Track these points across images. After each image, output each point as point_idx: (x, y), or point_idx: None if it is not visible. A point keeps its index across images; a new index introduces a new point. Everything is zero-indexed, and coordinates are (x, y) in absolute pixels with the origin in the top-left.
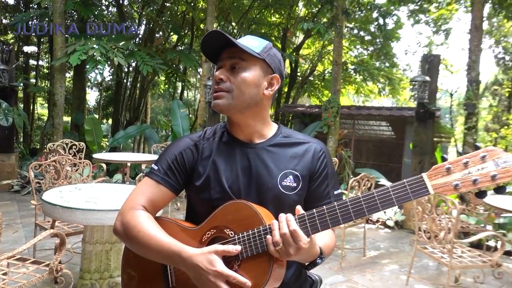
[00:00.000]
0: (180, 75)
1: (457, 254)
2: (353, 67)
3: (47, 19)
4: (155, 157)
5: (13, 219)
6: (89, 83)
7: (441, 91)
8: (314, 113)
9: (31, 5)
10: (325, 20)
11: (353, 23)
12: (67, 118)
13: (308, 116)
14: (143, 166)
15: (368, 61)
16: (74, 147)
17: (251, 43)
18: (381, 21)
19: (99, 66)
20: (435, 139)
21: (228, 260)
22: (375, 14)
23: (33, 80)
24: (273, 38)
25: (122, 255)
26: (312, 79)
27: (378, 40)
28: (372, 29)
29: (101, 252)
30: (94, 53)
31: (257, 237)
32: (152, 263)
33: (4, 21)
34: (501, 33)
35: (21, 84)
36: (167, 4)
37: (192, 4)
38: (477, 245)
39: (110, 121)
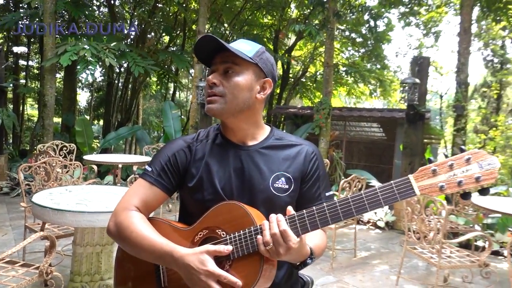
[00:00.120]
0: (172, 76)
1: (446, 254)
2: (344, 68)
3: (37, 19)
4: (146, 158)
5: (2, 221)
6: (80, 84)
7: (431, 93)
8: (306, 114)
9: (21, 5)
10: (316, 22)
11: (344, 25)
12: (57, 119)
13: (300, 117)
14: (135, 168)
15: (359, 63)
16: (65, 148)
17: (244, 47)
18: (372, 23)
19: (90, 67)
20: (425, 140)
21: (220, 260)
22: (366, 16)
23: (23, 81)
24: (265, 40)
25: (114, 256)
26: (304, 80)
27: (369, 42)
28: (363, 31)
29: (91, 255)
30: (85, 54)
31: (248, 237)
32: (145, 263)
33: None
34: (489, 36)
35: (11, 85)
36: (159, 5)
37: (184, 5)
38: (466, 245)
39: (101, 122)
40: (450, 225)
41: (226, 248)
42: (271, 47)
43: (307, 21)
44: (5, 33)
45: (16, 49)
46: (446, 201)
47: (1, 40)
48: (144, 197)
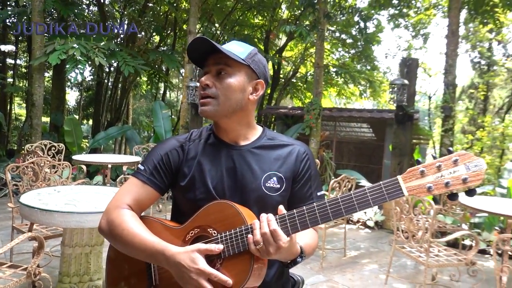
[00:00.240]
0: (162, 76)
1: (433, 253)
2: (334, 69)
3: (25, 17)
4: (136, 158)
5: None
6: (69, 83)
7: (420, 94)
8: (296, 114)
9: (8, 3)
10: (307, 23)
11: (334, 26)
12: (46, 119)
13: (291, 117)
14: (125, 168)
15: (349, 63)
16: (53, 148)
17: (237, 49)
18: (362, 24)
19: (79, 66)
20: (414, 141)
21: (211, 258)
22: (356, 18)
23: (10, 80)
24: (256, 40)
25: (103, 257)
26: (294, 81)
27: (359, 43)
28: (353, 33)
29: (80, 255)
30: (74, 53)
31: (239, 236)
32: (136, 261)
33: None
34: (476, 38)
35: None
36: (150, 4)
37: (174, 5)
38: (453, 244)
39: (90, 122)
40: (438, 224)
41: (217, 247)
42: (262, 47)
43: (297, 22)
44: None
45: (3, 47)
46: (434, 201)
47: None
48: (136, 196)
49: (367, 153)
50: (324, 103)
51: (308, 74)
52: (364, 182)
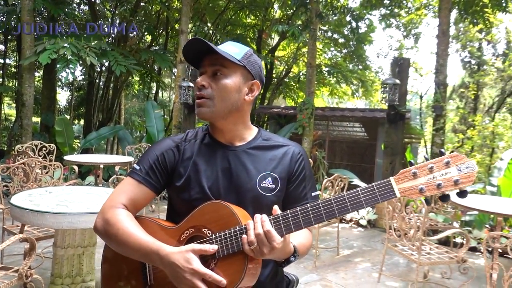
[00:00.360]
0: (154, 75)
1: (425, 251)
2: (327, 69)
3: (14, 16)
4: (129, 159)
5: None
6: (59, 83)
7: (411, 93)
8: (289, 114)
9: None
10: (299, 22)
11: (327, 26)
12: (36, 119)
13: (284, 117)
14: (117, 168)
15: (341, 63)
16: (44, 149)
17: (232, 49)
18: (354, 24)
19: (70, 66)
20: (405, 140)
21: (206, 258)
22: (348, 18)
23: None
24: (248, 40)
25: (95, 258)
26: (287, 80)
27: (351, 43)
28: (346, 32)
29: (73, 256)
30: (65, 52)
31: (233, 236)
32: (131, 261)
33: None
34: (467, 38)
35: None
36: (141, 4)
37: (166, 4)
38: (445, 242)
39: (82, 122)
40: (430, 223)
41: (211, 247)
42: (255, 47)
43: (290, 21)
44: None
45: None
46: (426, 202)
47: None
48: (131, 195)
49: (360, 152)
50: (316, 103)
51: (301, 74)
52: (356, 181)
